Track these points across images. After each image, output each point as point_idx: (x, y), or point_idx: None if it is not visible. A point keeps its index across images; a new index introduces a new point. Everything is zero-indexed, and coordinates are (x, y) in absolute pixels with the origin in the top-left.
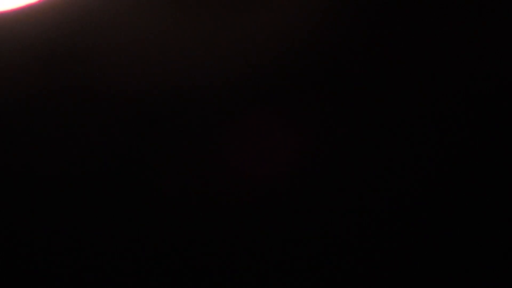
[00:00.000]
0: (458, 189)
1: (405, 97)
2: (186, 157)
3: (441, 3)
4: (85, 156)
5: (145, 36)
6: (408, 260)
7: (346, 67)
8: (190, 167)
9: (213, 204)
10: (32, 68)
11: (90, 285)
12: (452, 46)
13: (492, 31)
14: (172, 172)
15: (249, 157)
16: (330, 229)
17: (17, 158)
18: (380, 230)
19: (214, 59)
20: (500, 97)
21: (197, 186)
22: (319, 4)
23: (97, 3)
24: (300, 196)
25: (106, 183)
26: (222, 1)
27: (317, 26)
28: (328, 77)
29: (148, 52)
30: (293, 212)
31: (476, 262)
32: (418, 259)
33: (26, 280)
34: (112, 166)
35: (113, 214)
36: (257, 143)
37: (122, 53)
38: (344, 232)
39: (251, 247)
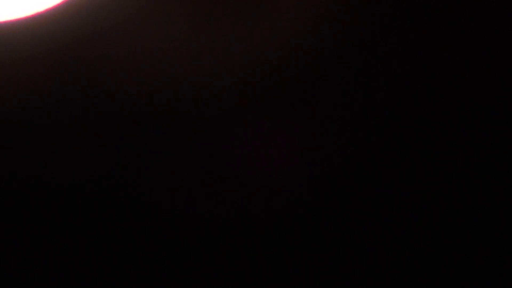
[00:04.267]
0: (460, 191)
1: (409, 101)
2: (193, 162)
3: (451, 8)
4: (92, 161)
5: (154, 43)
6: (410, 262)
7: (351, 71)
8: (197, 171)
9: (217, 208)
10: (40, 76)
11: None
12: (461, 53)
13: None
14: (178, 176)
15: (255, 161)
16: (334, 231)
17: (23, 164)
18: (384, 234)
19: (221, 65)
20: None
21: (204, 191)
22: (326, 12)
23: (105, 11)
24: (304, 199)
25: (114, 187)
26: (230, 9)
27: (323, 32)
28: (332, 82)
29: (156, 59)
30: (296, 214)
31: (477, 263)
32: (420, 260)
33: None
34: (119, 170)
35: (118, 217)
36: (262, 148)
37: (130, 61)
38: (347, 234)
39: (254, 250)
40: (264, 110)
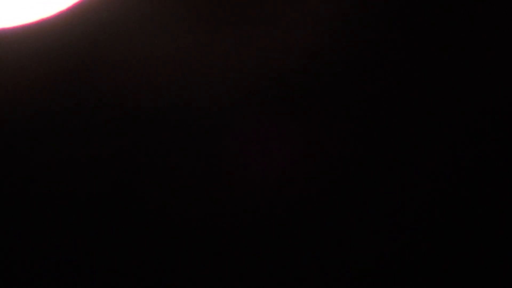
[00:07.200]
0: (460, 192)
1: (413, 104)
2: (197, 165)
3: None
4: (96, 166)
5: (158, 48)
6: (411, 262)
7: (355, 74)
8: (201, 174)
9: (222, 209)
10: (45, 83)
11: None
12: (468, 55)
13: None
14: (182, 179)
15: (259, 164)
16: (335, 232)
17: (27, 169)
18: (386, 234)
19: (226, 69)
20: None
21: (207, 193)
22: (330, 16)
23: (110, 18)
24: (306, 200)
25: (115, 191)
26: (234, 13)
27: (326, 35)
28: (335, 84)
29: (160, 63)
30: (298, 215)
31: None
32: (420, 260)
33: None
34: (122, 175)
35: (121, 221)
36: (266, 150)
37: (135, 66)
38: (348, 234)
39: (256, 250)
40: (267, 113)
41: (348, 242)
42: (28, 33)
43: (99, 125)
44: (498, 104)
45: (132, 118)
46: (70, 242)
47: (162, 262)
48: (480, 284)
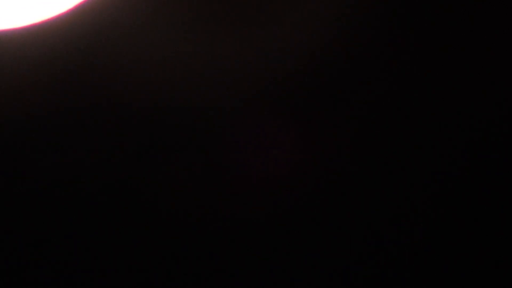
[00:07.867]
0: (461, 189)
1: (413, 104)
2: (198, 166)
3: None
4: (97, 166)
5: (159, 50)
6: (411, 262)
7: (355, 75)
8: (203, 174)
9: (224, 209)
10: (46, 84)
11: None
12: (470, 58)
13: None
14: (184, 179)
15: (259, 164)
16: (336, 233)
17: (29, 171)
18: (386, 235)
19: (228, 70)
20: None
21: (209, 193)
22: (331, 17)
23: (111, 19)
24: (307, 201)
25: (118, 193)
26: (235, 14)
27: (327, 36)
28: (336, 85)
29: (162, 66)
30: (299, 215)
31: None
32: (421, 260)
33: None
34: (124, 176)
35: (124, 220)
36: (267, 151)
37: (136, 68)
38: (349, 235)
39: (258, 251)
40: (268, 113)
41: (348, 242)
42: (30, 35)
43: (100, 125)
44: (498, 104)
45: (133, 118)
46: (71, 242)
47: (162, 261)
48: (480, 284)
